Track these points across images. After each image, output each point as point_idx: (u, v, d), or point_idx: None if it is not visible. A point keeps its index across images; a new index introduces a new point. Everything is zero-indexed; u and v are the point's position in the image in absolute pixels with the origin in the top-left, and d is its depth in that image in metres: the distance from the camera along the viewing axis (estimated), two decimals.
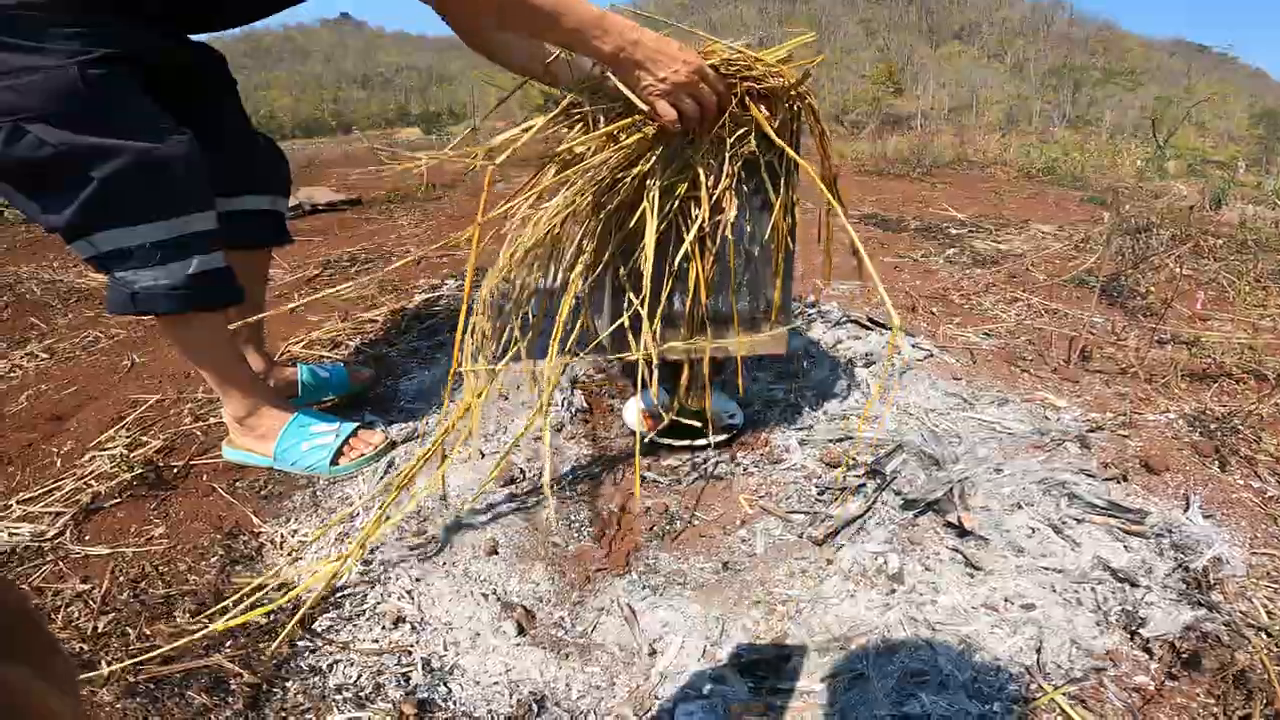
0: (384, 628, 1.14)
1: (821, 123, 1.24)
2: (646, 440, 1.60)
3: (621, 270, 1.23)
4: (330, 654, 1.08)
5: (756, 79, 1.13)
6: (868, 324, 2.20)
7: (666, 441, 1.58)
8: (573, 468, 1.53)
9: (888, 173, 5.91)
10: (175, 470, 1.56)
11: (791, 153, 1.19)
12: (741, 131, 1.17)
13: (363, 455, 1.50)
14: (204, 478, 1.54)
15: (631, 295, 1.21)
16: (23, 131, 1.03)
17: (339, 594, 1.21)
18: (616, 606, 1.17)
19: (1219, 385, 1.93)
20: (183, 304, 1.23)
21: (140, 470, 1.53)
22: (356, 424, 1.55)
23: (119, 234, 1.14)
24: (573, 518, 1.38)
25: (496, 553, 1.30)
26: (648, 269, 1.14)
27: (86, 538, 1.34)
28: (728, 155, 1.16)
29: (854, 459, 1.48)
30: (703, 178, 1.16)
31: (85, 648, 1.07)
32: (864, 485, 1.40)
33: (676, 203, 1.18)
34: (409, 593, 1.21)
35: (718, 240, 1.23)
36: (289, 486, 1.50)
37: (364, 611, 1.18)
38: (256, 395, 1.45)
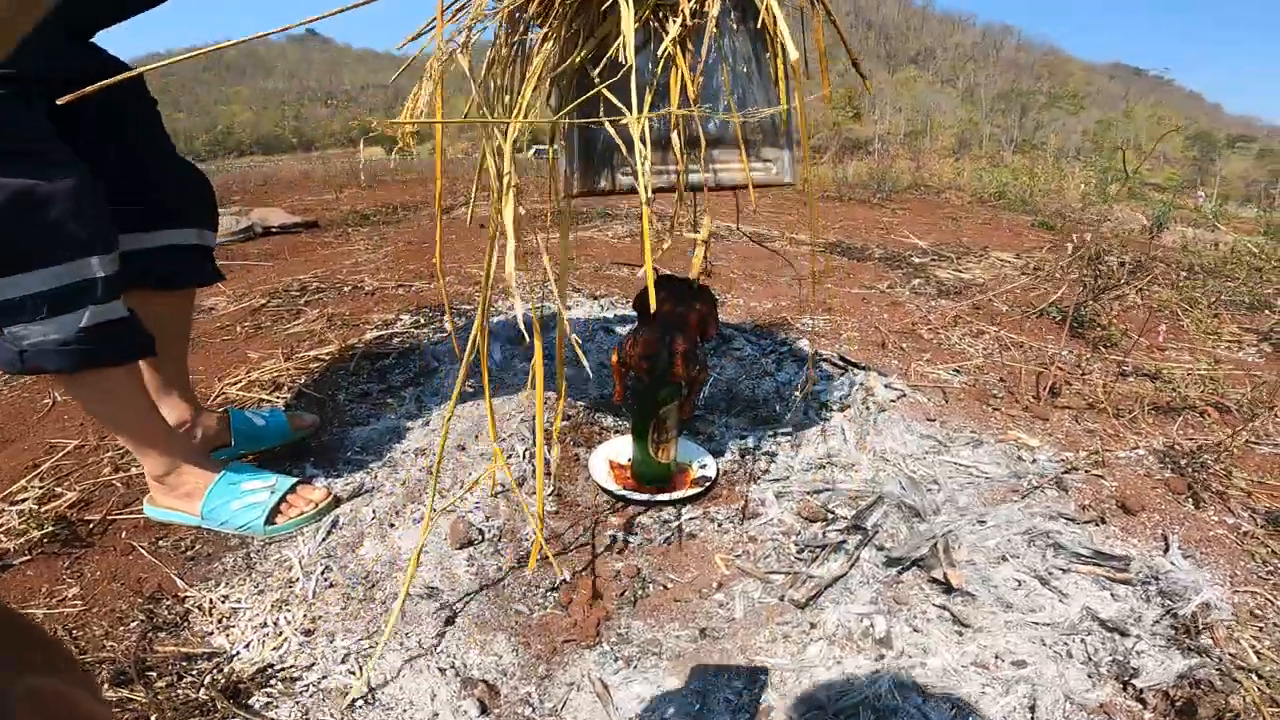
0: (330, 706, 1.01)
1: None
2: (615, 496, 1.51)
3: (595, 72, 1.00)
4: None
5: None
6: (839, 363, 2.16)
7: (635, 497, 1.49)
8: (555, 579, 1.42)
9: (849, 198, 6.01)
10: (92, 526, 1.40)
11: None
12: None
13: (302, 514, 1.38)
14: (123, 535, 1.38)
15: (609, 95, 0.99)
16: None
17: (278, 667, 1.08)
18: (588, 681, 1.07)
19: (1184, 418, 1.94)
20: (75, 361, 1.09)
21: (53, 527, 1.37)
22: (295, 479, 1.43)
23: (19, 282, 1.00)
24: (536, 581, 1.28)
25: (454, 622, 1.18)
26: (629, 54, 0.91)
27: None
28: None
29: (833, 513, 1.41)
30: None
31: None
32: (845, 541, 1.33)
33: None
34: (359, 667, 1.08)
35: (704, 46, 1.03)
36: (219, 547, 1.36)
37: (307, 688, 1.05)
38: (176, 452, 1.33)
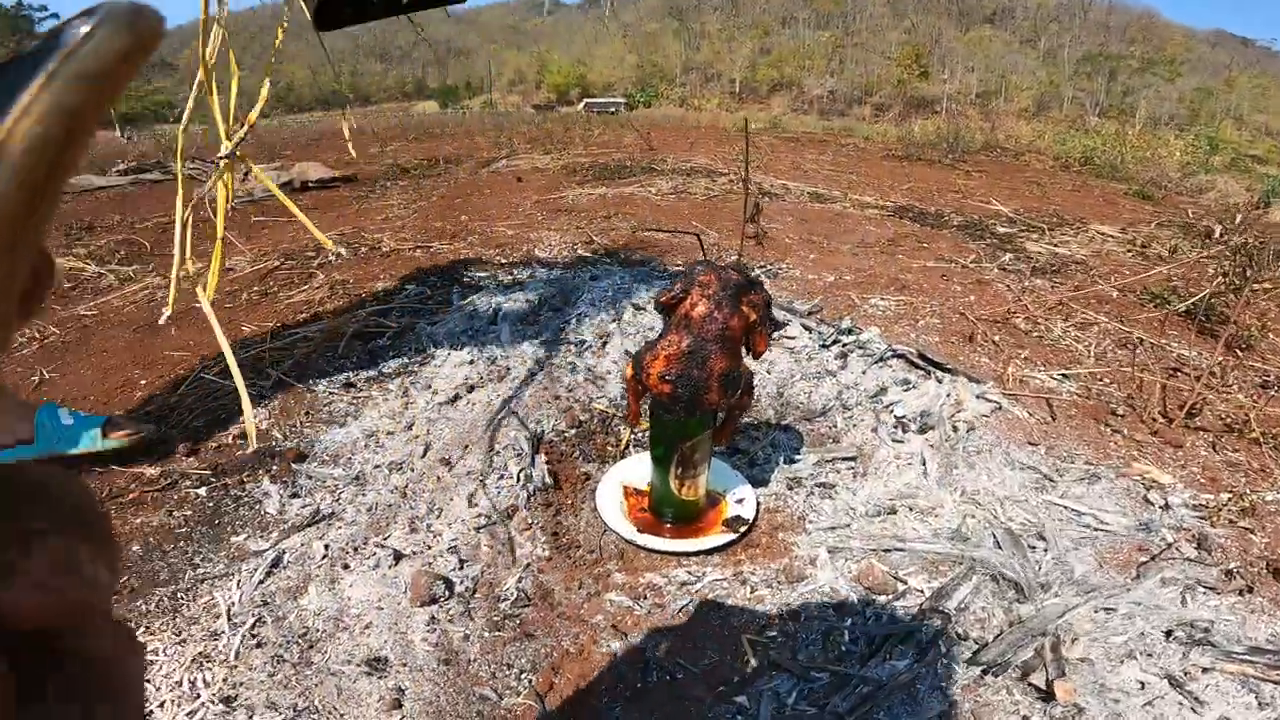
0: None
1: None
2: (625, 540, 1.21)
3: None
4: None
5: None
6: (921, 364, 1.76)
7: (651, 545, 1.18)
8: (521, 576, 1.14)
9: (916, 157, 5.39)
10: None
11: None
12: None
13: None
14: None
15: None
16: None
17: None
18: None
19: None
20: None
21: None
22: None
23: None
24: (511, 658, 1.00)
25: (400, 706, 0.92)
26: None
27: None
28: None
29: (903, 582, 1.07)
30: None
31: None
32: (918, 628, 0.99)
33: None
34: None
35: None
36: (146, 582, 1.13)
37: None
38: None
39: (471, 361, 1.78)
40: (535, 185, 3.75)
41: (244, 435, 1.47)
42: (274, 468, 1.39)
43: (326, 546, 1.19)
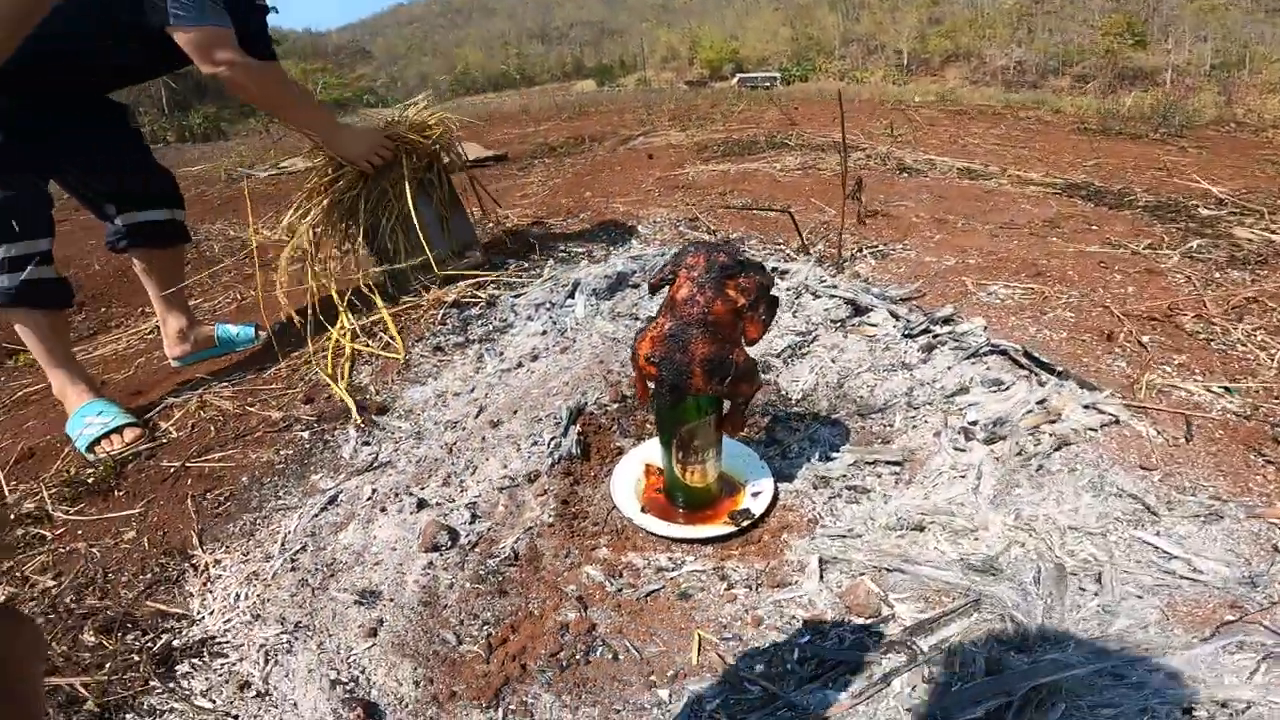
0: (230, 691, 0.96)
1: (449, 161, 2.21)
2: (625, 518, 1.22)
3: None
4: (169, 702, 0.95)
5: (410, 142, 2.05)
6: (1024, 362, 1.51)
7: (648, 526, 1.18)
8: (519, 538, 1.21)
9: (1117, 131, 4.48)
10: (171, 470, 1.51)
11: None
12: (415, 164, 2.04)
13: (109, 452, 1.54)
14: (188, 483, 1.46)
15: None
16: None
17: (216, 641, 1.05)
18: None
19: None
20: (14, 300, 1.55)
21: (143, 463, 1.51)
22: (127, 422, 1.61)
23: None
24: (480, 610, 1.07)
25: (375, 635, 1.04)
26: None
27: (79, 530, 1.34)
28: (405, 175, 2.00)
29: (891, 607, 0.96)
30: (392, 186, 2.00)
31: None
32: (876, 659, 0.88)
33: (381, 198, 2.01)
34: (266, 659, 1.00)
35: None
36: (241, 508, 1.38)
37: (222, 668, 1.01)
38: (72, 378, 1.67)
39: (544, 332, 1.87)
40: (664, 162, 3.76)
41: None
42: (359, 418, 1.60)
43: (374, 491, 1.35)
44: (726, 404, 1.16)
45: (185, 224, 1.96)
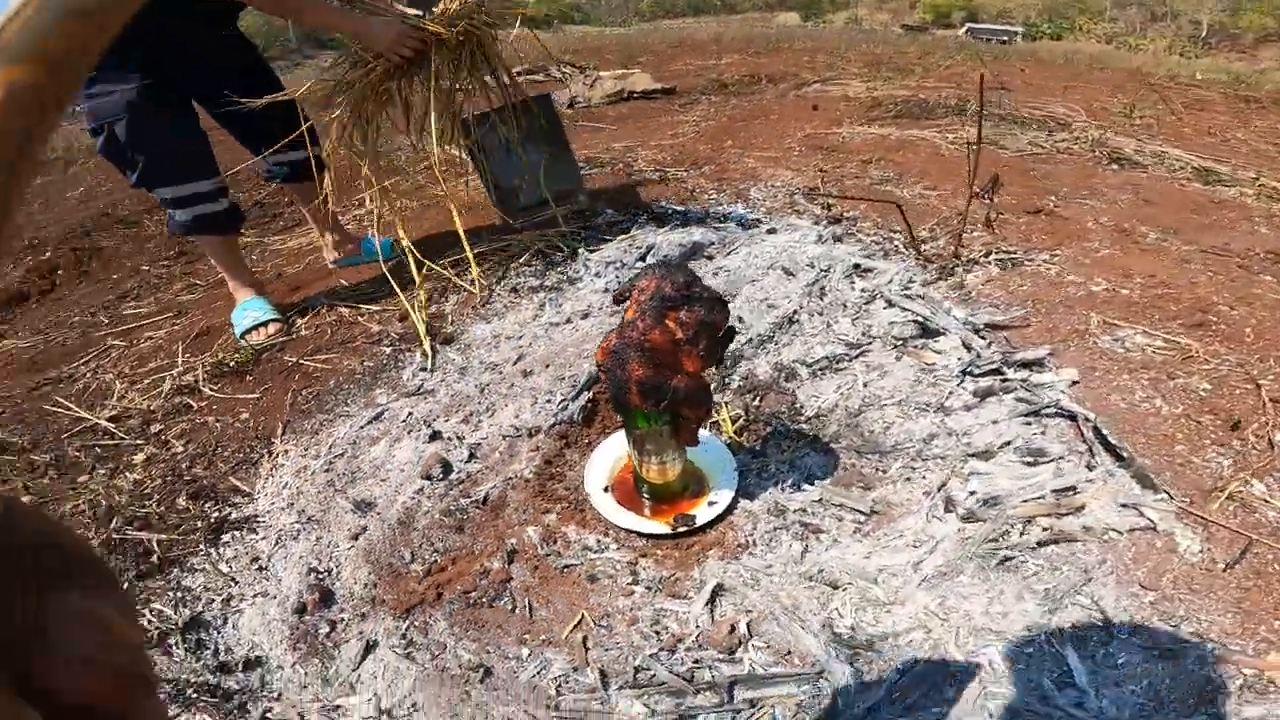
0: (244, 562, 1.28)
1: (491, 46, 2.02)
2: (585, 493, 1.32)
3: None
4: (204, 564, 1.28)
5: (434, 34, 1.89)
6: (1088, 437, 1.29)
7: (596, 505, 1.27)
8: (496, 485, 1.37)
9: None
10: (290, 364, 1.87)
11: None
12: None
13: (258, 339, 1.95)
14: (296, 378, 1.82)
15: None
16: (109, 129, 1.73)
17: (257, 518, 1.37)
18: (362, 648, 1.08)
19: None
20: (188, 229, 1.93)
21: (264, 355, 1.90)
22: (272, 318, 2.00)
23: (161, 191, 1.86)
24: (436, 540, 1.27)
25: (356, 540, 1.29)
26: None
27: (214, 405, 1.75)
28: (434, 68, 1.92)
29: (746, 651, 0.96)
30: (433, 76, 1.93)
31: (120, 497, 1.44)
32: (693, 691, 0.91)
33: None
34: (277, 542, 1.30)
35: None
36: (318, 408, 1.69)
37: (249, 543, 1.32)
38: (240, 283, 2.08)
39: (605, 290, 1.96)
40: (825, 116, 3.46)
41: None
42: (427, 345, 1.84)
43: (409, 415, 1.59)
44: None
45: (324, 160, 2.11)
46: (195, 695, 0.99)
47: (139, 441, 1.64)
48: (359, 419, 1.60)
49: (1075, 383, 1.43)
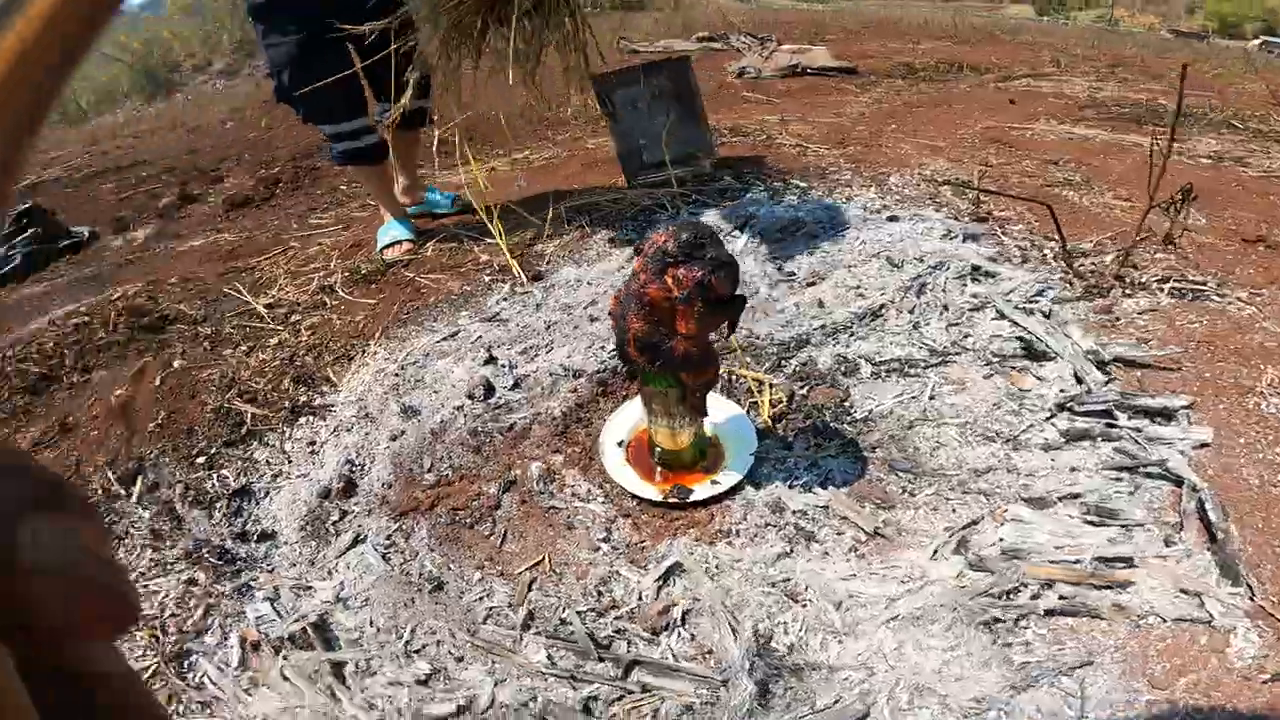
0: (302, 445, 1.47)
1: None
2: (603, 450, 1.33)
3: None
4: (274, 441, 1.49)
5: None
6: (1187, 509, 1.04)
7: (602, 459, 1.28)
8: (526, 416, 1.43)
9: None
10: (408, 279, 2.10)
11: None
12: None
13: (391, 255, 2.21)
14: (408, 290, 2.03)
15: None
16: (278, 76, 1.97)
17: (332, 408, 1.57)
18: (350, 540, 1.20)
19: None
20: (343, 160, 2.19)
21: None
22: (407, 237, 2.25)
23: (323, 128, 2.11)
24: (455, 457, 1.36)
25: (394, 441, 1.42)
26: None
27: (341, 306, 2.02)
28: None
29: (668, 639, 0.92)
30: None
31: (244, 371, 1.73)
32: (596, 662, 0.88)
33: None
34: (334, 431, 1.48)
35: None
36: (414, 319, 1.87)
37: (314, 428, 1.52)
38: (386, 207, 2.32)
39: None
40: (1021, 111, 2.99)
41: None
42: (519, 277, 1.95)
43: (478, 339, 1.71)
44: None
45: (430, 111, 2.32)
46: (206, 555, 1.18)
47: (278, 327, 1.94)
48: (438, 334, 1.75)
49: (1204, 445, 1.14)
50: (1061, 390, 1.30)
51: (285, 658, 0.96)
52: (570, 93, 2.07)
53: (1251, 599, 0.88)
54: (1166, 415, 1.21)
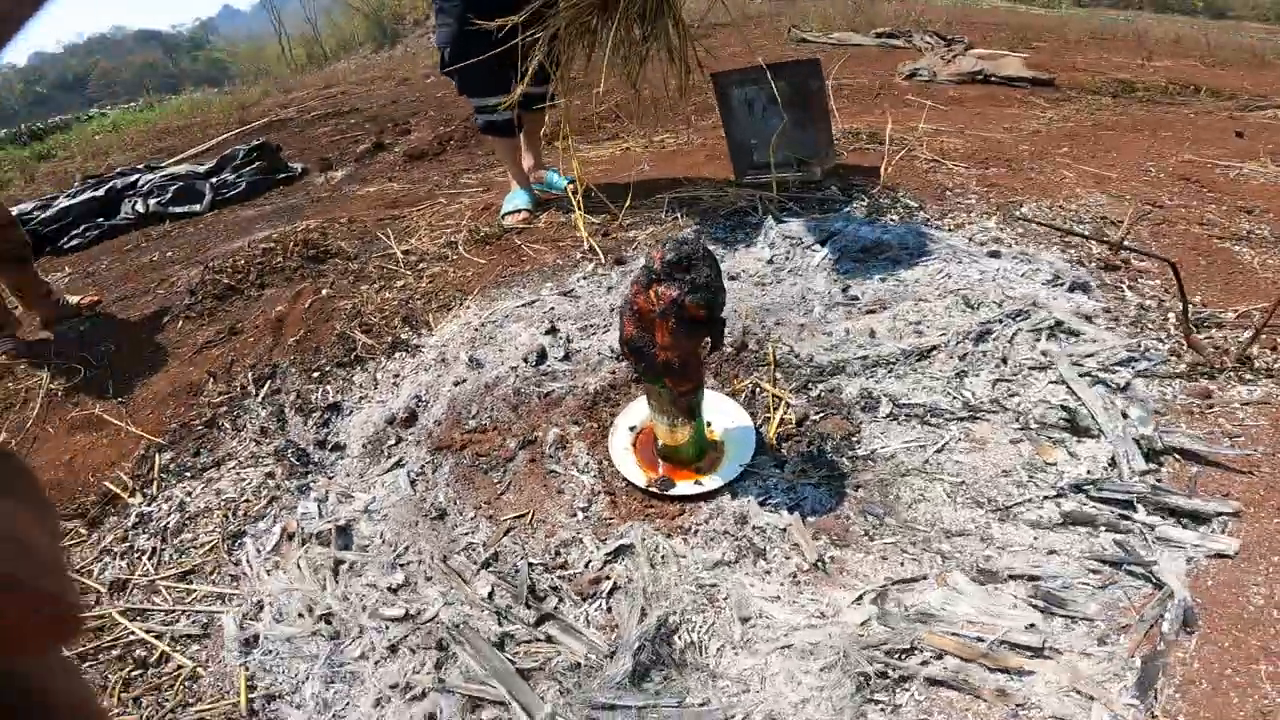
0: (387, 378, 1.77)
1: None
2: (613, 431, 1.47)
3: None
4: (368, 366, 1.82)
5: None
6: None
7: (611, 441, 1.42)
8: (566, 386, 1.61)
9: None
10: (516, 245, 2.36)
11: None
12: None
13: (514, 223, 2.47)
14: (513, 256, 2.29)
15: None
16: (442, 53, 2.28)
17: (418, 348, 1.87)
18: (393, 463, 1.46)
19: None
20: (483, 130, 2.51)
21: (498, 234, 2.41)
22: (526, 209, 2.51)
23: (472, 100, 2.41)
24: (495, 411, 1.58)
25: (456, 387, 1.68)
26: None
27: (460, 262, 2.34)
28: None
29: (591, 605, 1.05)
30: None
31: (369, 306, 2.09)
32: (528, 615, 1.04)
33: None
34: (414, 371, 1.76)
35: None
36: (507, 283, 2.12)
37: (401, 364, 1.82)
38: (514, 176, 2.60)
39: (769, 260, 1.94)
40: (1245, 146, 2.50)
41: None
42: (602, 259, 2.12)
43: (550, 310, 1.91)
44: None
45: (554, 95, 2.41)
46: (289, 455, 1.50)
47: (407, 272, 2.29)
48: (521, 300, 1.98)
49: (1225, 556, 1.01)
50: (1089, 471, 1.20)
51: (306, 550, 1.25)
52: (673, 97, 2.14)
53: (1150, 715, 0.82)
54: (1197, 519, 1.09)
